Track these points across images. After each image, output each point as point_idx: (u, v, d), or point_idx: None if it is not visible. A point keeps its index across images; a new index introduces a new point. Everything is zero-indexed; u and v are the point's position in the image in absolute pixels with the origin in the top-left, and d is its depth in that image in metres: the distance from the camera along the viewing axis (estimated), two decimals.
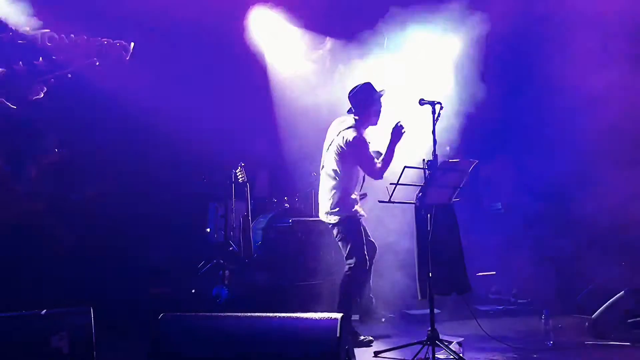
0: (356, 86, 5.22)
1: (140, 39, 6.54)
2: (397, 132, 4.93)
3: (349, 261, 5.04)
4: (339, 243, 5.17)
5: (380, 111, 5.19)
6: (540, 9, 7.10)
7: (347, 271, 5.04)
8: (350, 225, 5.07)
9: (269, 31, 7.72)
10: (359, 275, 5.03)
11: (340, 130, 5.16)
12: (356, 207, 5.13)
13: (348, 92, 5.25)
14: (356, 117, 5.16)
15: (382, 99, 5.18)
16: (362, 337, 5.03)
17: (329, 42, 7.67)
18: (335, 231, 5.15)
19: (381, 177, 4.96)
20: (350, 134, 5.02)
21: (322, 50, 7.68)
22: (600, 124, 6.60)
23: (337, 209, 5.07)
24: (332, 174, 5.12)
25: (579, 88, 6.74)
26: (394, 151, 4.95)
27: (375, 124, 5.21)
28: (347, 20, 7.48)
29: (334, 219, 5.10)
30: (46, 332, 3.48)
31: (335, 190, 5.08)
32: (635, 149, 6.73)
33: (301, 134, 7.18)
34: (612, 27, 6.71)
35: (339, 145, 5.07)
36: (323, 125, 6.55)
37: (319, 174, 5.36)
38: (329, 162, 5.18)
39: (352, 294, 5.05)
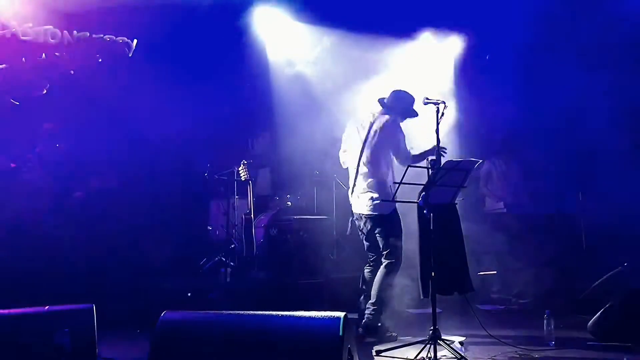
0: (405, 93, 5.23)
1: (143, 36, 6.56)
2: (434, 152, 4.83)
3: (388, 257, 5.05)
4: (377, 237, 5.12)
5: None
6: (544, 9, 7.10)
7: (383, 267, 5.06)
8: (396, 220, 5.10)
9: (271, 29, 7.72)
10: (394, 276, 5.05)
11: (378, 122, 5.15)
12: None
13: (394, 92, 5.25)
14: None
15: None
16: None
17: (330, 40, 7.66)
18: (373, 224, 5.09)
19: (407, 164, 4.85)
20: (389, 121, 5.07)
21: (324, 48, 7.67)
22: (602, 124, 6.60)
23: (380, 202, 5.00)
24: (376, 165, 5.07)
25: (581, 87, 6.74)
26: (422, 159, 5.00)
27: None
28: (350, 19, 7.47)
29: (377, 211, 5.04)
30: (49, 330, 3.49)
31: (381, 182, 5.05)
32: (636, 149, 6.73)
33: (304, 132, 7.17)
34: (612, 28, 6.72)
35: (380, 134, 5.06)
36: (326, 123, 6.56)
37: (321, 173, 5.35)
38: (371, 153, 5.12)
39: (387, 289, 5.05)
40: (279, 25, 7.70)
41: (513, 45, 7.30)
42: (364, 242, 5.26)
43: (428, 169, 4.43)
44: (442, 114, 4.52)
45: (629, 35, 6.75)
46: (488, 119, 7.27)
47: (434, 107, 4.55)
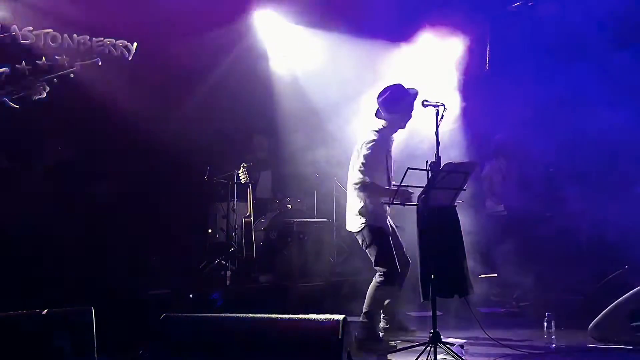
0: (386, 88, 5.00)
1: (143, 39, 6.57)
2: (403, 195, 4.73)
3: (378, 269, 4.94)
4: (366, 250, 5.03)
5: (410, 115, 5.00)
6: (542, 11, 7.12)
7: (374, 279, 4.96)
8: (373, 232, 4.95)
9: (272, 31, 7.73)
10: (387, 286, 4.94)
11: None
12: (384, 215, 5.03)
13: (377, 96, 5.01)
14: (384, 123, 5.00)
15: (414, 101, 4.87)
16: (386, 344, 4.92)
17: (330, 43, 7.67)
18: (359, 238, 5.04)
19: (363, 190, 4.84)
20: (369, 136, 4.94)
21: (324, 49, 7.67)
22: (602, 126, 6.60)
23: (361, 216, 4.96)
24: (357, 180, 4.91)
25: (583, 91, 6.74)
26: (383, 195, 4.88)
27: (404, 127, 5.07)
28: (350, 20, 7.48)
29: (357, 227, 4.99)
30: (48, 332, 3.48)
31: (360, 198, 4.95)
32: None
33: (304, 135, 7.17)
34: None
35: (359, 150, 4.95)
36: (326, 126, 6.55)
37: (322, 176, 5.34)
38: (352, 169, 5.04)
39: (380, 300, 5.00)
40: (280, 29, 7.71)
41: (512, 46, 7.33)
42: None
43: (428, 171, 4.42)
44: (442, 116, 4.50)
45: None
46: (489, 120, 7.27)
47: (433, 110, 4.53)
